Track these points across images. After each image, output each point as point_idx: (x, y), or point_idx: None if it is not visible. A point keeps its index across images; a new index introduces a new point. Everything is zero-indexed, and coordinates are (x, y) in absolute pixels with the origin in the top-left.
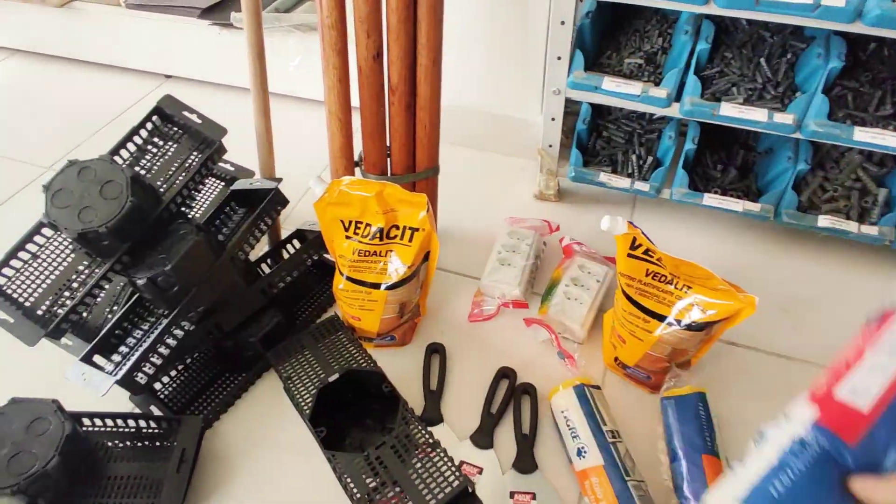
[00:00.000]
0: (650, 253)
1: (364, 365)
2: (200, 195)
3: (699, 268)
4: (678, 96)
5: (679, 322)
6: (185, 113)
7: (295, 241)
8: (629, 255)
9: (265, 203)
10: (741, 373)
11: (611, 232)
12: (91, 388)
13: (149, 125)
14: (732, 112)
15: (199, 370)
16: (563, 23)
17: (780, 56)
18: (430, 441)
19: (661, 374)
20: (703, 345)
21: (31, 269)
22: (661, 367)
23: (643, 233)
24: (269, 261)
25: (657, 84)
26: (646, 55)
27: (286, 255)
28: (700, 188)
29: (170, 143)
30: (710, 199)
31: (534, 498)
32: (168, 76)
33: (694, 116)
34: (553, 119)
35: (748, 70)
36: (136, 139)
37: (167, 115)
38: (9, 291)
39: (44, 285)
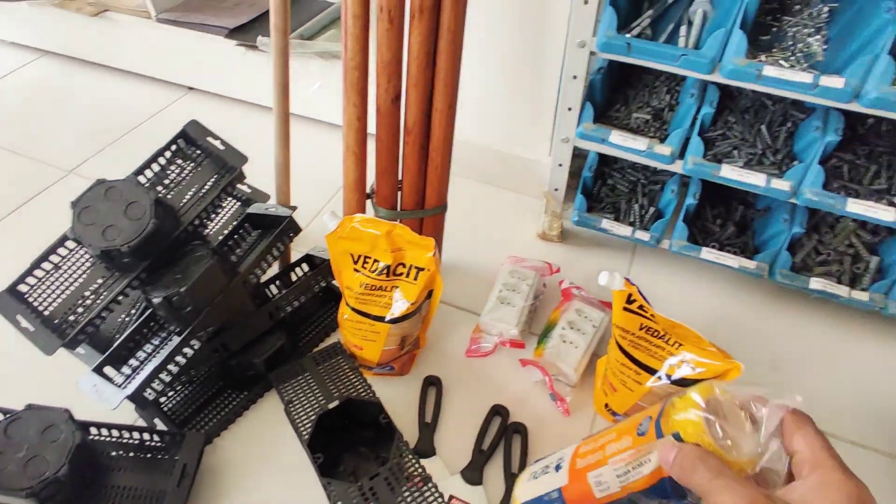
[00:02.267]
0: (644, 309)
1: (364, 394)
2: (217, 217)
3: (689, 329)
4: (682, 154)
5: (669, 377)
6: (209, 139)
7: (304, 265)
8: (625, 309)
9: (279, 231)
10: None
11: (608, 287)
12: (102, 401)
13: (173, 147)
14: (732, 174)
15: (201, 386)
16: (574, 77)
17: (780, 124)
18: (423, 475)
19: None
20: None
21: (51, 280)
22: None
23: (639, 291)
24: (277, 283)
25: (662, 140)
26: (653, 111)
27: (294, 278)
28: (699, 241)
29: (192, 166)
30: (707, 253)
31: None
32: (190, 88)
33: (696, 175)
34: (560, 165)
35: (749, 135)
36: (161, 160)
37: (191, 139)
38: (30, 300)
39: (63, 296)
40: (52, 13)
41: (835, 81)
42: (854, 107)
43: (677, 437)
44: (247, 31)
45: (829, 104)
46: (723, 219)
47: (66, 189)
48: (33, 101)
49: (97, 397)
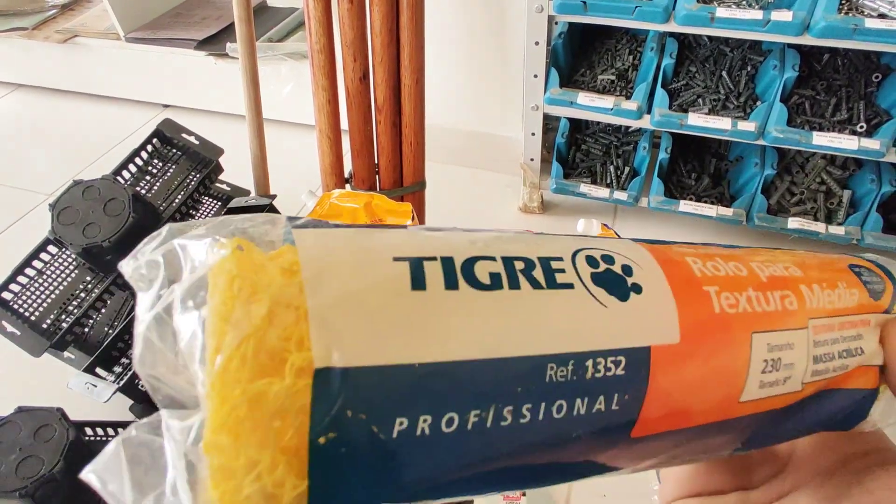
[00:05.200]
0: None
1: None
2: (198, 214)
3: None
4: (649, 109)
5: None
6: (184, 135)
7: None
8: None
9: None
10: None
11: (586, 234)
12: (94, 396)
13: (149, 147)
14: (699, 122)
15: None
16: (537, 43)
17: (740, 69)
18: None
19: None
20: None
21: (36, 285)
22: None
23: (617, 234)
24: None
25: (628, 98)
26: (617, 71)
27: None
28: (676, 196)
29: (169, 164)
30: (685, 205)
31: (524, 494)
32: (166, 106)
33: (664, 127)
34: (533, 134)
35: (711, 82)
36: (137, 160)
37: (167, 138)
38: (15, 306)
39: (49, 300)
40: (21, 45)
41: (784, 15)
42: (806, 39)
43: None
44: (215, 42)
45: (782, 40)
46: (697, 172)
47: (46, 212)
48: (9, 134)
49: (89, 393)
